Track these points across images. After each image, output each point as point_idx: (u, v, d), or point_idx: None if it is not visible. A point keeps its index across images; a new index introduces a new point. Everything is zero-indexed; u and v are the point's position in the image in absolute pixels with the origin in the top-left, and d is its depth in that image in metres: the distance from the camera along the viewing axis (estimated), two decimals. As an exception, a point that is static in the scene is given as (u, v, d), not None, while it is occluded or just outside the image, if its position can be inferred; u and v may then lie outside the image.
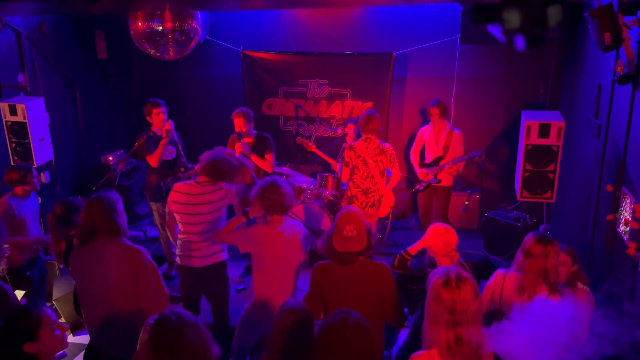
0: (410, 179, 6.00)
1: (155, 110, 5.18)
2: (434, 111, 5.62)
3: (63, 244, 3.91)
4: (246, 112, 5.23)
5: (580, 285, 3.37)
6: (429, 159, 5.76)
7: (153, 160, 5.10)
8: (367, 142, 5.10)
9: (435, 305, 2.23)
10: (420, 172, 5.80)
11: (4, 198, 4.55)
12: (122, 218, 3.29)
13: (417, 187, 5.85)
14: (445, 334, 2.20)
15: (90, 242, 3.22)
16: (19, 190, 4.58)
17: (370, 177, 5.10)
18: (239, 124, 5.19)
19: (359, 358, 2.27)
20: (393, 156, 5.13)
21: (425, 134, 5.84)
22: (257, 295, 3.62)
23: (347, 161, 5.17)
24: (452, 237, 3.28)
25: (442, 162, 5.62)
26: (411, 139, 7.04)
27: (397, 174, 5.21)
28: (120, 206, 3.32)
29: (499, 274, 3.10)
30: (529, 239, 3.03)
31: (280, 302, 3.46)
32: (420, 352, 2.28)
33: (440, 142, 5.63)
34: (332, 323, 2.31)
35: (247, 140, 5.26)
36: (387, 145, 5.14)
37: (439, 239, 3.28)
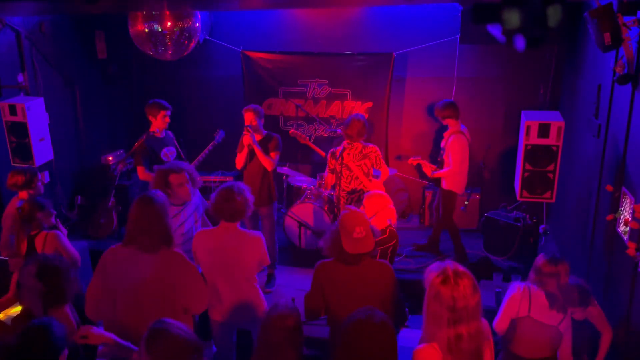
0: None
1: (162, 113, 5.20)
2: (434, 113, 5.64)
3: (25, 244, 3.89)
4: (256, 108, 5.22)
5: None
6: None
7: (142, 174, 5.09)
8: (349, 147, 5.07)
9: (435, 304, 2.23)
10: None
11: (13, 206, 4.36)
12: (170, 224, 3.20)
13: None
14: (446, 332, 2.21)
15: (131, 245, 3.12)
16: (23, 194, 4.42)
17: (355, 178, 5.11)
18: (249, 118, 5.15)
19: (383, 355, 2.28)
20: (378, 157, 5.09)
21: None
22: (215, 300, 3.58)
23: (332, 168, 5.16)
24: (384, 196, 3.85)
25: (439, 159, 5.64)
26: (411, 139, 7.06)
27: (385, 172, 5.21)
28: (169, 210, 3.22)
29: (520, 286, 3.17)
30: (540, 259, 3.18)
31: (239, 301, 3.52)
32: (423, 345, 2.29)
33: (443, 141, 5.63)
34: (358, 320, 2.31)
35: (256, 137, 5.21)
36: (370, 147, 5.09)
37: (385, 204, 3.78)
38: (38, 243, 3.86)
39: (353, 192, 5.13)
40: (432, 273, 2.30)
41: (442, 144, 5.58)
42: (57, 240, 3.89)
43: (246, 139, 5.10)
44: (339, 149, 5.13)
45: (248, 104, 6.96)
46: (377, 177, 5.26)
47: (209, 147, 5.39)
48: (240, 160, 5.29)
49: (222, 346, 3.75)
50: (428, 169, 5.53)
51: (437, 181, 5.69)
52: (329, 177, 5.29)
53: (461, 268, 2.30)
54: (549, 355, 3.14)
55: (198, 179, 4.16)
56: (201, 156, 5.33)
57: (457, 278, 2.23)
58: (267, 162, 5.15)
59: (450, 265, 2.29)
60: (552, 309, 3.07)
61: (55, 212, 4.12)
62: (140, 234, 3.09)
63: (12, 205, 4.40)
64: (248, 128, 5.10)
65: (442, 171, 5.47)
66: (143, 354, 2.27)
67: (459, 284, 2.22)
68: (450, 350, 2.21)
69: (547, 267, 3.10)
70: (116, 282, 3.13)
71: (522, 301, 3.09)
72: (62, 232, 4.13)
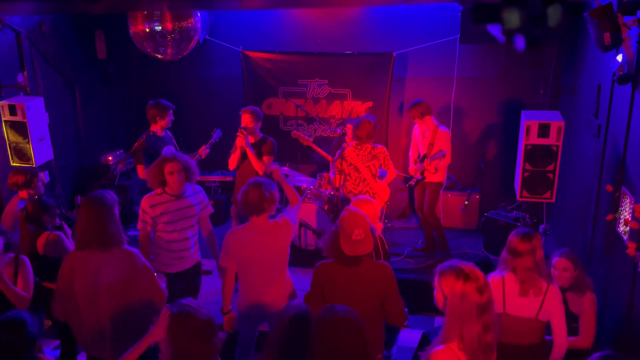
0: (407, 176, 5.98)
1: (170, 112, 5.23)
2: (409, 114, 5.64)
3: (27, 245, 3.90)
4: (254, 111, 5.19)
5: (589, 293, 3.34)
6: (421, 155, 5.77)
7: (142, 173, 5.07)
8: (358, 148, 5.06)
9: (463, 305, 2.23)
10: (410, 168, 5.84)
11: (13, 205, 4.39)
12: (118, 224, 3.19)
13: (410, 182, 5.86)
14: (476, 326, 2.21)
15: (86, 247, 3.12)
16: (23, 194, 4.42)
17: (362, 180, 5.09)
18: (245, 119, 5.14)
19: (350, 349, 2.28)
20: (387, 158, 5.09)
21: (416, 131, 5.84)
22: (247, 293, 3.68)
23: (340, 169, 5.13)
24: (372, 203, 3.66)
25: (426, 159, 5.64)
26: (410, 138, 7.05)
27: (392, 173, 5.21)
28: (116, 210, 3.21)
29: (494, 278, 3.05)
30: (512, 238, 3.05)
31: (271, 293, 3.59)
32: (441, 347, 2.27)
33: (426, 139, 5.63)
34: (317, 319, 2.35)
35: (250, 139, 5.20)
36: (379, 148, 5.08)
37: (372, 212, 3.60)
38: (40, 243, 3.87)
39: (360, 194, 5.09)
40: (447, 277, 2.28)
41: (428, 140, 5.57)
42: (58, 242, 3.90)
43: (239, 140, 5.09)
44: (348, 150, 5.10)
45: (248, 104, 6.95)
46: (382, 177, 5.25)
47: (207, 145, 5.39)
48: (233, 162, 5.28)
49: (244, 341, 3.79)
50: (432, 166, 5.55)
51: (417, 180, 5.70)
52: (336, 177, 5.25)
53: (468, 263, 2.32)
54: (537, 341, 3.07)
55: (196, 172, 4.13)
56: (198, 155, 5.33)
57: (474, 271, 2.26)
58: (259, 165, 5.12)
59: (461, 263, 2.31)
60: (526, 296, 2.97)
61: (59, 212, 4.13)
62: (91, 234, 3.09)
63: (12, 205, 4.41)
64: (242, 130, 5.08)
65: (440, 163, 5.51)
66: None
67: (479, 277, 2.25)
68: (480, 345, 2.21)
69: (523, 245, 2.98)
70: (76, 286, 3.13)
71: (495, 297, 2.95)
72: (67, 232, 4.13)
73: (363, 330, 2.35)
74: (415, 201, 5.99)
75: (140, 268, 3.17)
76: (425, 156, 5.61)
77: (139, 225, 4.00)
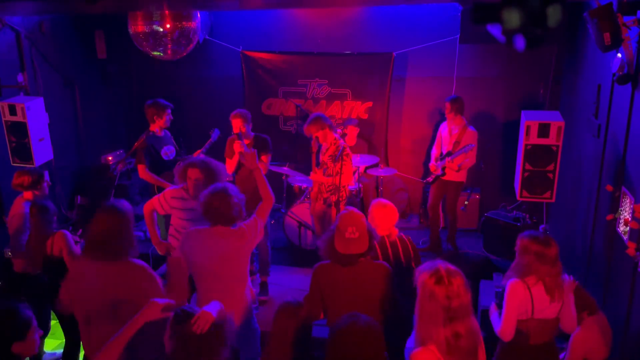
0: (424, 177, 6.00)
1: (168, 111, 5.23)
2: (446, 105, 5.70)
3: (37, 245, 3.95)
4: (244, 113, 5.14)
5: (600, 313, 3.32)
6: (444, 152, 5.79)
7: (143, 173, 5.05)
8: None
9: (430, 305, 2.23)
10: (431, 165, 5.87)
11: (19, 207, 4.34)
12: (133, 235, 3.03)
13: (428, 179, 5.88)
14: (443, 331, 2.20)
15: (97, 256, 2.92)
16: (28, 195, 4.37)
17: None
18: (237, 124, 5.08)
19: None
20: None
21: (443, 129, 5.86)
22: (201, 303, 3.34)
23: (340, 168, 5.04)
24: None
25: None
26: (411, 138, 7.07)
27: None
28: (132, 222, 3.05)
29: (518, 285, 2.96)
30: (539, 247, 2.94)
31: (232, 305, 3.31)
32: (419, 349, 2.27)
33: (453, 137, 5.66)
34: (341, 328, 2.30)
35: (245, 141, 5.12)
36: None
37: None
38: (49, 244, 3.91)
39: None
40: (424, 274, 2.28)
41: (455, 138, 5.61)
42: (63, 240, 3.92)
43: (237, 146, 4.99)
44: (340, 150, 5.06)
45: (248, 104, 6.94)
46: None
47: (206, 145, 5.38)
48: (230, 166, 5.19)
49: None
50: (455, 164, 5.58)
51: (436, 177, 5.75)
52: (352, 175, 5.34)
53: (452, 267, 2.30)
54: (549, 339, 3.06)
55: (222, 178, 4.08)
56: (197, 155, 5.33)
57: (450, 277, 2.23)
58: (261, 166, 5.04)
59: (442, 264, 2.29)
60: (553, 301, 2.95)
61: (57, 212, 4.14)
62: (105, 243, 2.91)
63: (18, 207, 4.38)
64: (238, 135, 5.01)
65: (466, 161, 5.58)
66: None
67: (453, 283, 2.22)
68: (450, 350, 2.20)
69: (551, 250, 2.93)
70: (81, 294, 2.98)
71: (526, 304, 2.96)
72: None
73: (383, 343, 2.32)
74: (429, 198, 6.01)
75: (146, 283, 2.97)
76: (448, 153, 5.63)
77: (154, 201, 4.20)
